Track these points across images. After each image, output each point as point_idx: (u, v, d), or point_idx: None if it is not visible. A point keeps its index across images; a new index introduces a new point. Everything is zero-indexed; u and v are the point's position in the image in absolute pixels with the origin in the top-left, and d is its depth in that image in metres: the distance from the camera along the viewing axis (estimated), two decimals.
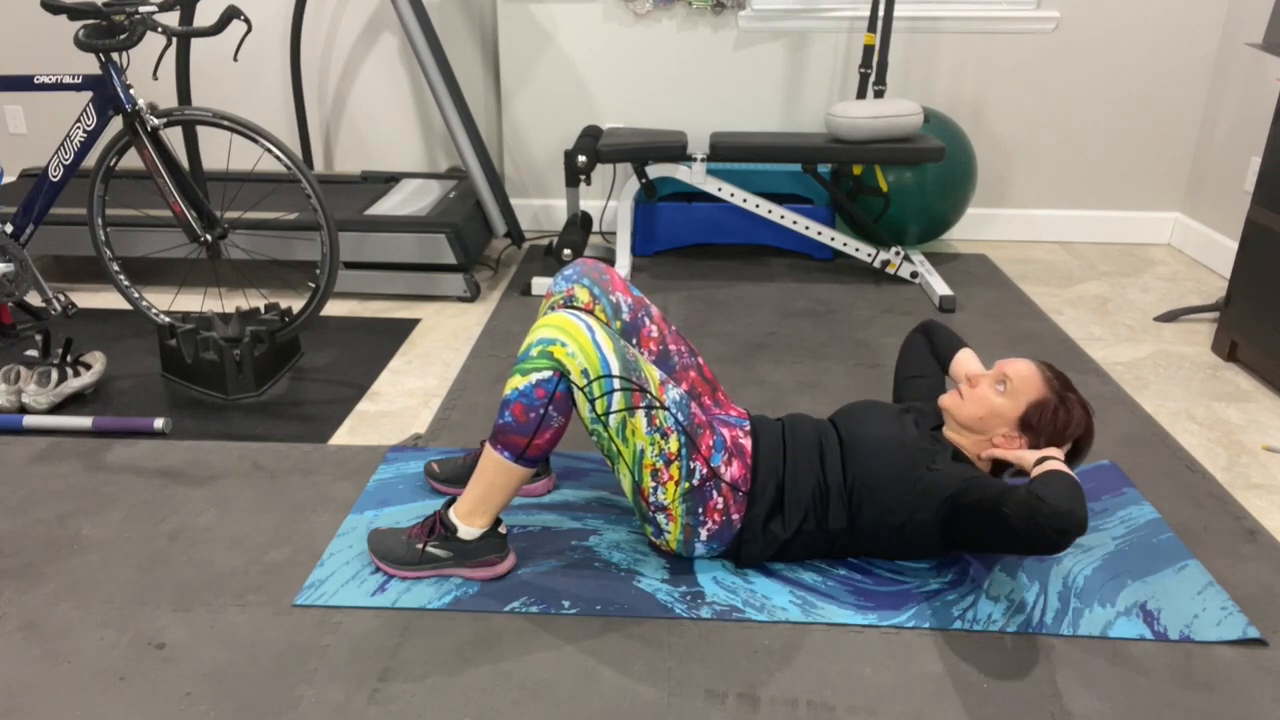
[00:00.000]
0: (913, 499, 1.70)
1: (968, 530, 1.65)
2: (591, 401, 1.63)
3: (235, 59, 3.37)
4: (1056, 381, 1.76)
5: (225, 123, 2.45)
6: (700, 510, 1.72)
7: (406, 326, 3.01)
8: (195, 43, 3.80)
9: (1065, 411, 1.73)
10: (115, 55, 2.42)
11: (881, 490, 1.71)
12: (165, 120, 2.48)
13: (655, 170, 3.32)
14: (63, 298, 2.63)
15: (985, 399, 1.75)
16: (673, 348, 1.95)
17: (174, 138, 3.83)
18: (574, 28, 3.69)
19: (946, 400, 1.82)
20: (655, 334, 1.93)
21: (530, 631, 1.65)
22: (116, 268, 2.68)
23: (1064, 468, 1.58)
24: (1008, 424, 1.75)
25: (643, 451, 1.66)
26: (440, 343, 2.90)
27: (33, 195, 2.57)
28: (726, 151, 3.22)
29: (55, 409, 2.43)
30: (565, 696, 1.51)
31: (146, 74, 3.89)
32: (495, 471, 1.69)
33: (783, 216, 3.40)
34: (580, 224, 3.46)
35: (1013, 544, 1.56)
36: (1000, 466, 1.82)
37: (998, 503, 1.56)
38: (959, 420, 1.79)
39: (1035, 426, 1.73)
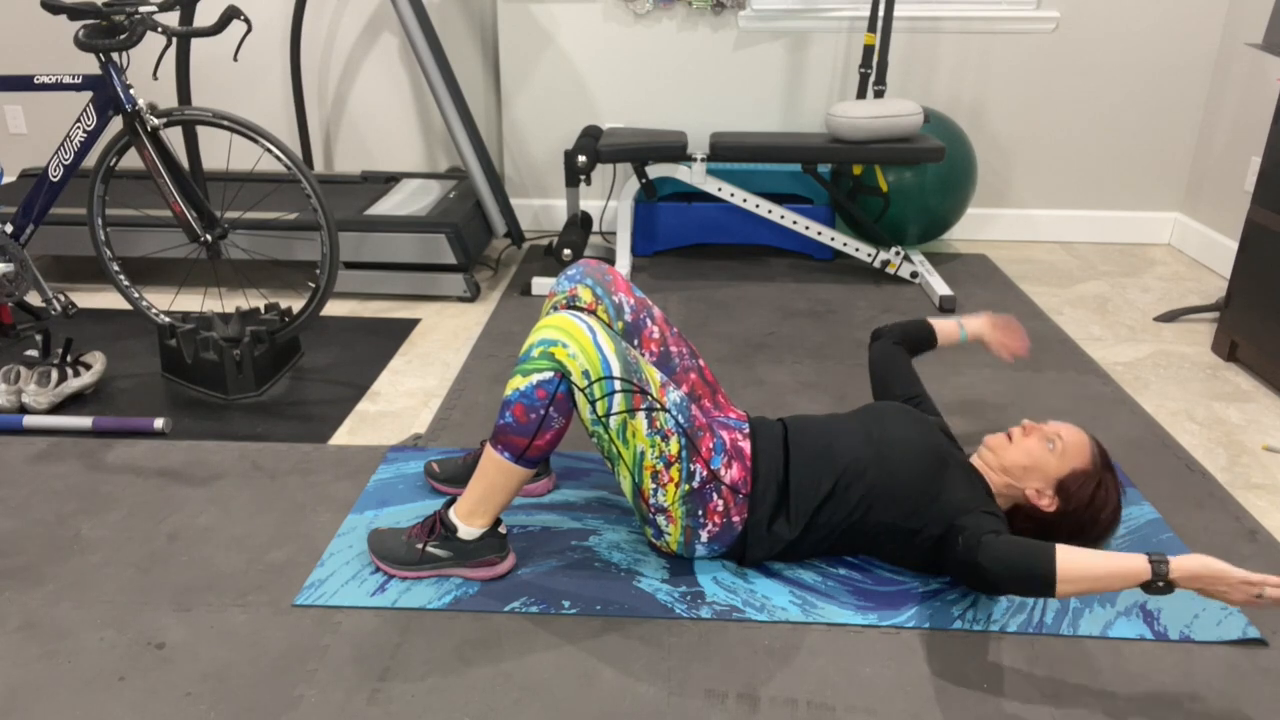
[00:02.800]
0: (933, 511, 1.70)
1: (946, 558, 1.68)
2: (592, 403, 1.63)
3: (235, 59, 3.37)
4: (1101, 459, 1.77)
5: (225, 123, 2.45)
6: (700, 512, 1.72)
7: (406, 326, 3.01)
8: (195, 43, 3.79)
9: (1103, 490, 1.74)
10: (115, 55, 2.42)
11: (904, 495, 1.71)
12: (165, 120, 2.48)
13: (655, 170, 3.32)
14: (63, 298, 2.63)
15: (1034, 451, 1.76)
16: (674, 349, 1.95)
17: (174, 138, 3.84)
18: (574, 28, 3.69)
19: (994, 440, 1.83)
20: (657, 335, 1.93)
21: (530, 631, 1.65)
22: (116, 268, 2.68)
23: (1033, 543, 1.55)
24: (1046, 481, 1.75)
25: (643, 453, 1.66)
26: (440, 343, 2.90)
27: (33, 195, 2.57)
28: (726, 151, 3.22)
29: (55, 409, 2.43)
30: (565, 696, 1.51)
31: (146, 74, 3.89)
32: (495, 472, 1.69)
33: (783, 216, 3.40)
34: (580, 224, 3.46)
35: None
36: (1019, 521, 1.81)
37: (955, 535, 1.63)
38: (1001, 460, 1.80)
39: (1070, 492, 1.74)
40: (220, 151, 3.97)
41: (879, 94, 3.46)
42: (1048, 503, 1.75)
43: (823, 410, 2.47)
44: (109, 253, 2.66)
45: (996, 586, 1.54)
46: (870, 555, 1.83)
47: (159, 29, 2.36)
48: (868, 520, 1.73)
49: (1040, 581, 1.49)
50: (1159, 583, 1.45)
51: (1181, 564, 1.45)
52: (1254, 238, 2.66)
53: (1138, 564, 1.46)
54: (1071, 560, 1.49)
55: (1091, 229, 3.93)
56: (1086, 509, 1.74)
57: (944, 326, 2.19)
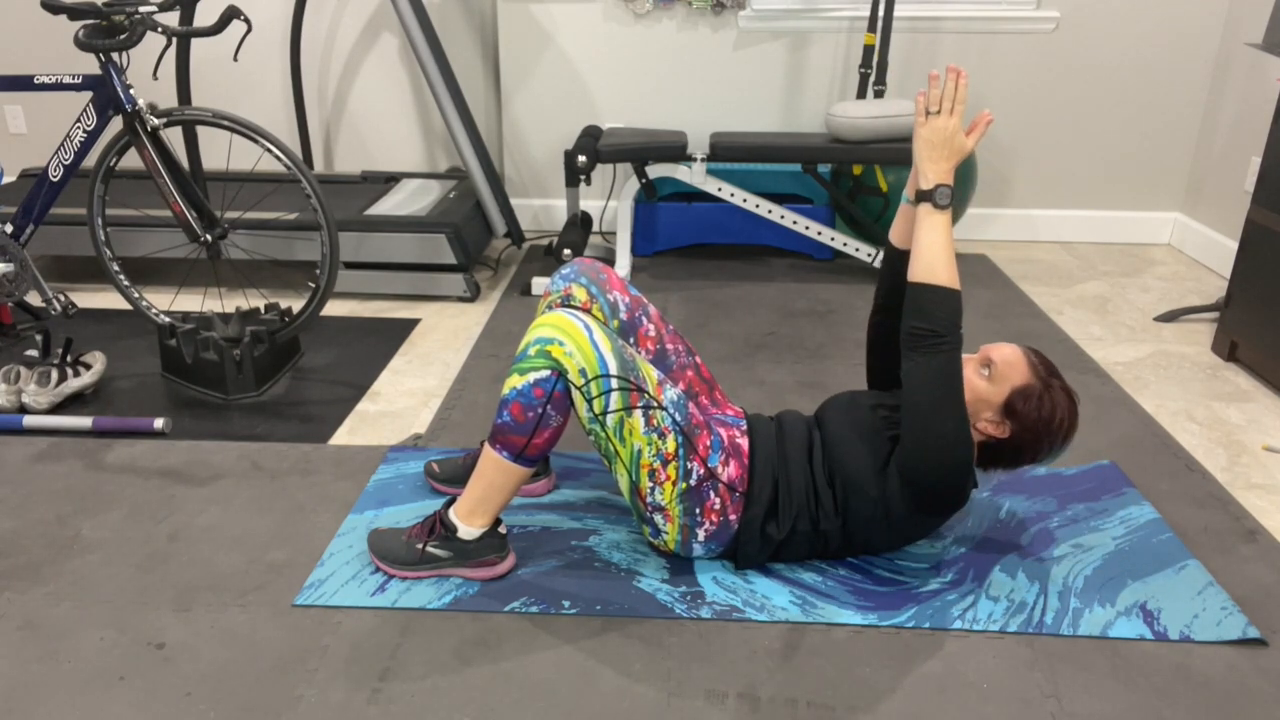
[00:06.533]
0: (886, 480, 1.70)
1: (911, 457, 1.65)
2: (589, 401, 1.63)
3: (235, 59, 3.37)
4: (1042, 368, 1.72)
5: (225, 123, 2.45)
6: (698, 511, 1.72)
7: (406, 326, 3.01)
8: (195, 43, 3.79)
9: (1050, 399, 1.69)
10: (115, 55, 2.42)
11: (862, 482, 1.70)
12: (165, 120, 2.48)
13: (655, 170, 3.32)
14: (63, 298, 2.63)
15: (971, 384, 1.72)
16: (670, 347, 1.95)
17: (174, 138, 3.84)
18: (574, 28, 3.69)
19: None
20: (652, 333, 1.93)
21: (530, 631, 1.65)
22: (116, 268, 2.68)
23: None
24: (992, 409, 1.71)
25: (640, 451, 1.66)
26: (440, 343, 2.90)
27: (33, 195, 2.57)
28: (726, 151, 3.21)
29: (55, 409, 2.43)
30: (565, 696, 1.51)
31: (146, 74, 3.89)
32: (494, 471, 1.69)
33: (783, 216, 3.40)
34: (580, 224, 3.46)
35: (933, 392, 1.61)
36: (987, 457, 1.79)
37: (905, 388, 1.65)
38: None
39: (1020, 412, 1.69)
40: (220, 151, 3.97)
41: (879, 94, 3.46)
42: (1002, 430, 1.71)
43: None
44: (109, 253, 2.66)
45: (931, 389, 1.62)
46: (870, 553, 1.83)
47: (159, 29, 2.37)
48: (850, 519, 1.73)
49: (947, 330, 1.62)
50: (939, 201, 1.66)
51: (926, 169, 1.68)
52: (1254, 238, 2.66)
53: (934, 215, 1.66)
54: (941, 277, 1.63)
55: (1091, 229, 3.93)
56: (1038, 422, 1.69)
57: (901, 222, 1.84)
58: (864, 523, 1.73)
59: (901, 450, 1.67)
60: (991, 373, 1.71)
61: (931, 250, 1.64)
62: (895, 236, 1.85)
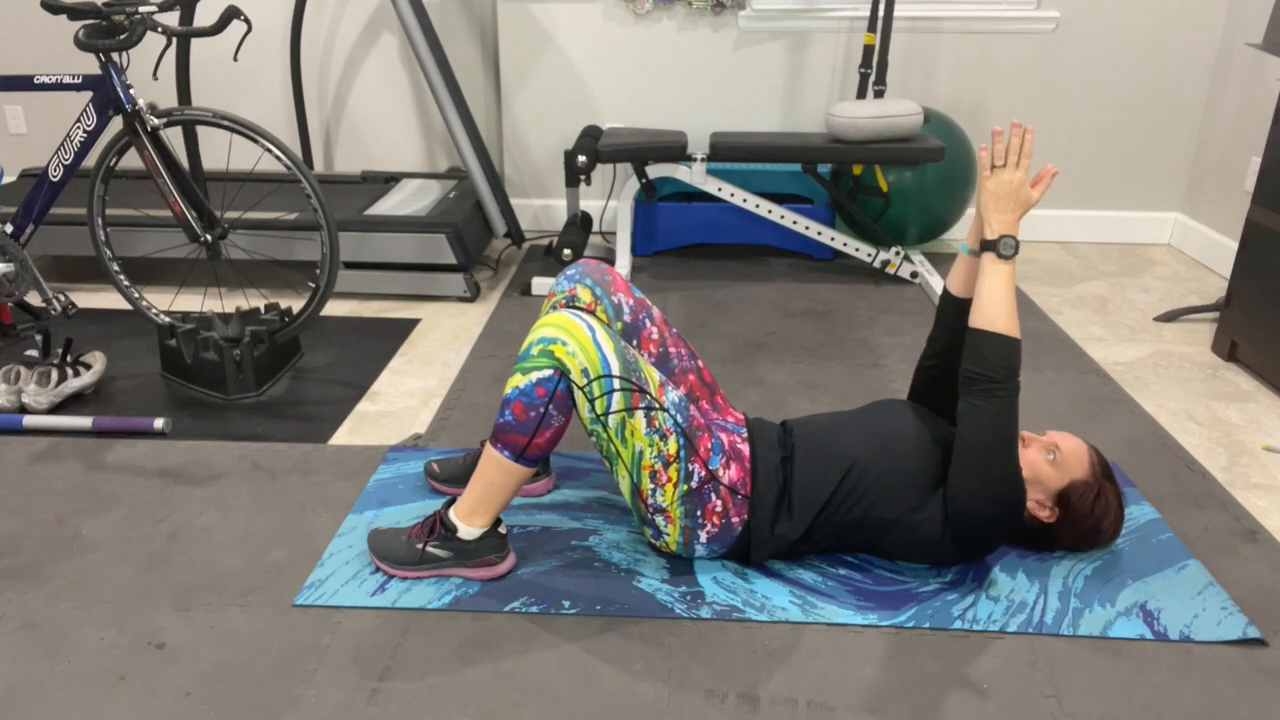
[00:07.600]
0: (935, 499, 1.72)
1: (959, 494, 1.67)
2: (591, 401, 1.63)
3: (235, 59, 3.37)
4: (1099, 467, 1.77)
5: (225, 123, 2.45)
6: (699, 513, 1.72)
7: (406, 326, 3.01)
8: (195, 43, 3.79)
9: (1103, 500, 1.75)
10: (115, 55, 2.42)
11: (909, 489, 1.71)
12: (165, 120, 2.48)
13: (655, 170, 3.31)
14: (63, 298, 2.63)
15: (1034, 463, 1.76)
16: (673, 350, 1.95)
17: (174, 138, 3.84)
18: (574, 28, 3.69)
19: None
20: (656, 336, 1.93)
21: (530, 631, 1.65)
22: (116, 268, 2.68)
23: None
24: (1046, 493, 1.76)
25: (641, 453, 1.66)
26: (440, 343, 2.90)
27: (33, 195, 2.57)
28: (726, 151, 3.21)
29: (55, 409, 2.43)
30: (565, 696, 1.51)
31: (146, 74, 3.89)
32: (496, 471, 1.69)
33: (783, 216, 3.40)
34: (580, 224, 3.46)
35: (985, 435, 1.64)
36: (1022, 534, 1.81)
37: (961, 430, 1.68)
38: None
39: (1071, 503, 1.75)
40: (220, 151, 3.97)
41: (879, 94, 3.46)
42: (1048, 514, 1.77)
43: (822, 410, 2.47)
44: (109, 253, 2.66)
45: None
46: (871, 553, 1.83)
47: (159, 29, 2.37)
48: (870, 516, 1.73)
49: (1008, 379, 1.65)
50: (1003, 251, 1.69)
51: (991, 220, 1.72)
52: (1254, 238, 2.66)
53: (998, 265, 1.69)
54: (1002, 325, 1.66)
55: (1091, 229, 3.93)
56: (1087, 519, 1.76)
57: (959, 270, 1.86)
58: (886, 526, 1.73)
59: (949, 485, 1.69)
60: (1056, 459, 1.75)
61: (993, 299, 1.67)
62: (953, 285, 1.88)
